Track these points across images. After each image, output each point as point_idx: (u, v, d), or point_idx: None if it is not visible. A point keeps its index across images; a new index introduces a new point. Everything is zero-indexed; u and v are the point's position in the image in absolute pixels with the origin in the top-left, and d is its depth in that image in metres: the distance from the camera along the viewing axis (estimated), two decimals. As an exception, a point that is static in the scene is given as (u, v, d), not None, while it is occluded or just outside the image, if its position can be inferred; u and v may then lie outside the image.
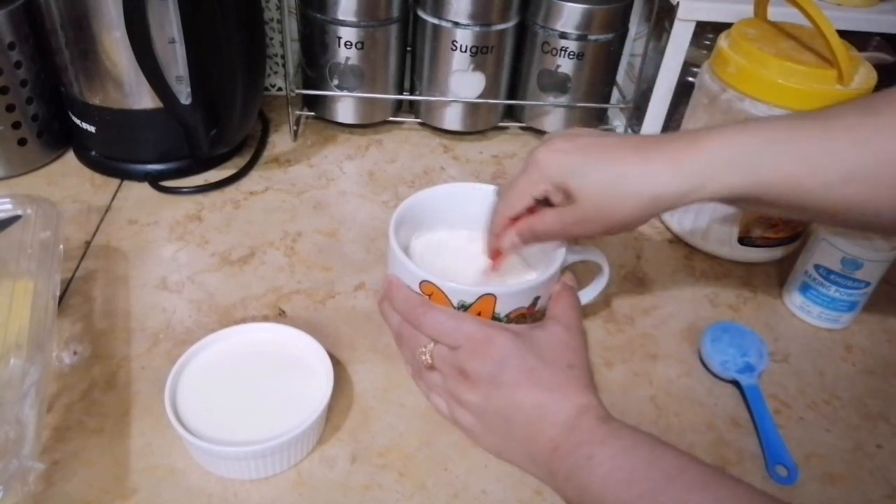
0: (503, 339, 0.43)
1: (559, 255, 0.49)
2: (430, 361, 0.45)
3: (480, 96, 0.78)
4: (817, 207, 0.42)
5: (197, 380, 0.46)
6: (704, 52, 0.72)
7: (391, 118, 0.82)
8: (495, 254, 0.51)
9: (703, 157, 0.42)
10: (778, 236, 0.64)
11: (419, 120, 0.82)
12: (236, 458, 0.43)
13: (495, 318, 0.47)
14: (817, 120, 0.42)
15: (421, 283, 0.47)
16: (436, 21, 0.73)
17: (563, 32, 0.73)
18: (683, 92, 0.71)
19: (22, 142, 0.68)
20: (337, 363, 0.51)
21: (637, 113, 0.78)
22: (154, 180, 0.70)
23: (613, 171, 0.43)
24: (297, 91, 0.79)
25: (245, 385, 0.47)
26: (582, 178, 0.43)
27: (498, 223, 0.49)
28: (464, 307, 0.47)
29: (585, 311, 0.58)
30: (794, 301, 0.61)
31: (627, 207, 0.43)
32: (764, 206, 0.45)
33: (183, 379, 0.46)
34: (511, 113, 0.84)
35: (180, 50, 0.64)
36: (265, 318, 0.56)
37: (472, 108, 0.79)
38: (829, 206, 0.42)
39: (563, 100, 0.78)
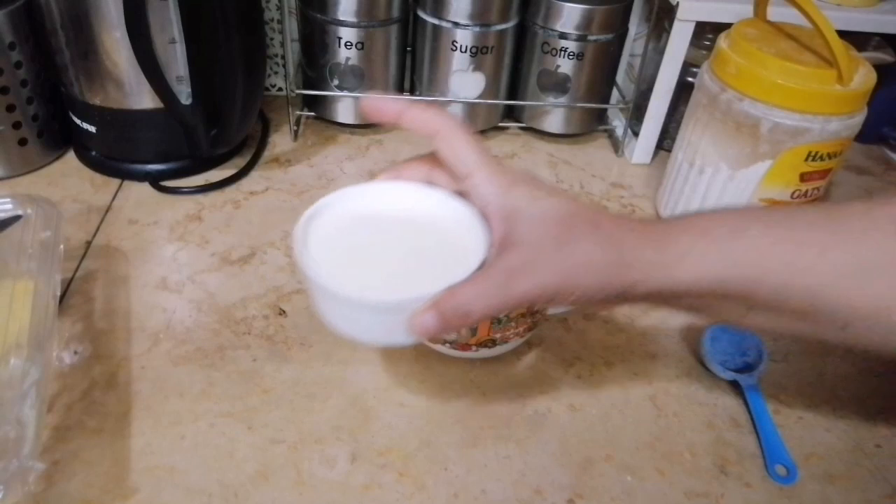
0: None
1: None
2: None
3: (480, 96, 0.78)
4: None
5: (331, 231, 0.39)
6: (704, 52, 0.72)
7: (391, 118, 0.82)
8: None
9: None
10: (778, 236, 0.64)
11: (419, 120, 0.82)
12: (383, 311, 0.36)
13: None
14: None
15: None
16: (436, 21, 0.73)
17: (562, 33, 0.73)
18: (683, 92, 0.71)
19: (22, 142, 0.68)
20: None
21: (637, 113, 0.78)
22: (154, 180, 0.70)
23: None
24: (298, 91, 0.79)
25: (386, 243, 0.40)
26: None
27: None
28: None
29: (585, 312, 0.58)
30: (794, 301, 0.61)
31: None
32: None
33: (314, 227, 0.39)
34: (511, 113, 0.84)
35: (180, 50, 0.64)
36: (265, 318, 0.56)
37: (471, 108, 0.79)
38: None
39: (563, 100, 0.78)
